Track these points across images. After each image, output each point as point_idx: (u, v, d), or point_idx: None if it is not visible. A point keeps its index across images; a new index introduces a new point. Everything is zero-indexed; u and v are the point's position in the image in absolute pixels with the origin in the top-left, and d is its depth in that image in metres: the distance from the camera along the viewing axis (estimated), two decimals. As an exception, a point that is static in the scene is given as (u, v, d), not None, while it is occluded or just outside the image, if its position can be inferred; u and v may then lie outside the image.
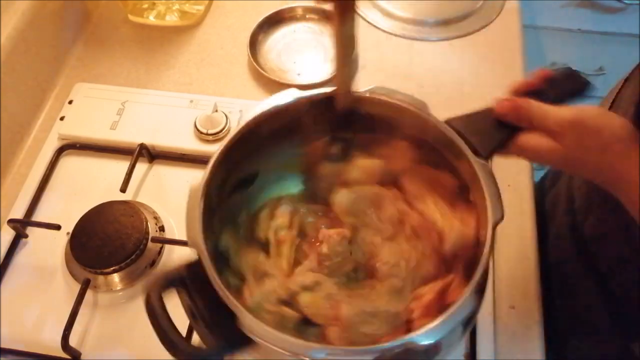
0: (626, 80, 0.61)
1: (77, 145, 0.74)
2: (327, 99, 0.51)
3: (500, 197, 0.45)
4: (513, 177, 0.71)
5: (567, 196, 0.66)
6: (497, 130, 0.48)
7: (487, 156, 0.47)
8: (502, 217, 0.44)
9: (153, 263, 0.64)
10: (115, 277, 0.62)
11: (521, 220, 0.68)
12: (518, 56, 0.84)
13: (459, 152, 0.47)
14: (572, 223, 0.64)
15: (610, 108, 0.60)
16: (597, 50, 1.27)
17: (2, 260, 0.65)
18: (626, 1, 1.14)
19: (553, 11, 1.19)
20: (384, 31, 0.87)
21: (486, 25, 0.87)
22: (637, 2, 1.14)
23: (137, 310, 0.62)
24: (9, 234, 0.66)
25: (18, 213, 0.68)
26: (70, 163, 0.74)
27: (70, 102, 0.78)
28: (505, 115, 0.47)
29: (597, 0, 1.16)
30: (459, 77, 0.82)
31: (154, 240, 0.64)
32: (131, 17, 0.89)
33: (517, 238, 0.66)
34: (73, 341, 0.58)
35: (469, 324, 0.46)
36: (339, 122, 0.53)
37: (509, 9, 0.89)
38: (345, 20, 0.45)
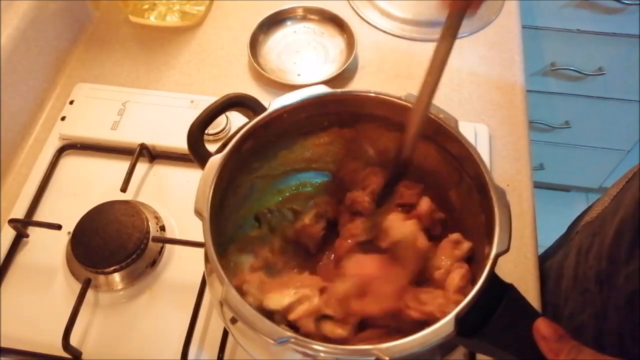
0: None
1: (78, 146, 0.75)
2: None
3: (510, 230, 0.44)
4: (513, 177, 0.71)
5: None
6: None
7: None
8: (507, 250, 0.43)
9: (154, 263, 0.64)
10: (116, 277, 0.63)
11: (521, 221, 0.68)
12: (518, 56, 0.84)
13: (480, 175, 0.47)
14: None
15: (627, 182, 0.59)
16: (597, 51, 1.27)
17: (3, 260, 0.65)
18: (626, 1, 1.14)
19: (553, 11, 1.19)
20: (384, 32, 0.87)
21: (485, 26, 0.88)
22: (637, 2, 1.14)
23: (138, 309, 0.62)
24: (10, 233, 0.66)
25: (19, 213, 0.68)
26: (71, 163, 0.74)
27: (71, 103, 0.78)
28: None
29: (596, 1, 1.16)
30: (459, 77, 0.82)
31: (155, 239, 0.65)
32: (132, 18, 0.89)
33: (516, 238, 0.66)
34: (74, 341, 0.59)
35: (448, 349, 0.45)
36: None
37: (509, 9, 0.89)
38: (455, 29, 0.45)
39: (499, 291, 0.42)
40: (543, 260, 0.69)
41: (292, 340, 0.40)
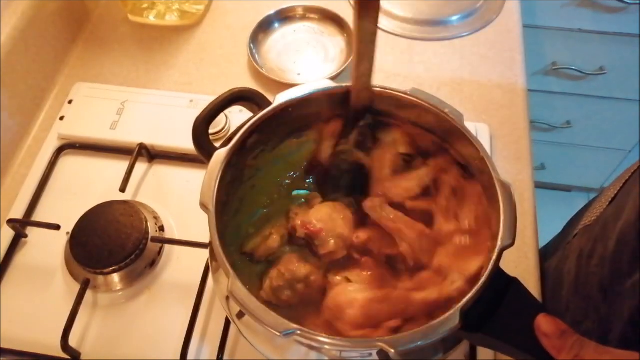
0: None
1: (77, 145, 0.74)
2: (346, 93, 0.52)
3: (515, 223, 0.44)
4: (514, 177, 0.71)
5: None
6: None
7: None
8: (512, 244, 0.43)
9: (153, 263, 0.64)
10: (115, 277, 0.62)
11: (522, 221, 0.67)
12: (518, 56, 0.84)
13: (484, 169, 0.47)
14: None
15: (622, 187, 0.59)
16: (598, 50, 1.27)
17: (1, 260, 0.65)
18: (627, 1, 1.14)
19: (553, 11, 1.19)
20: (384, 31, 0.87)
21: (486, 25, 0.87)
22: (638, 2, 1.14)
23: (137, 310, 0.62)
24: (8, 233, 0.66)
25: (18, 213, 0.68)
26: (70, 163, 0.74)
27: (70, 102, 0.78)
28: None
29: (597, 0, 1.16)
30: (459, 77, 0.82)
31: (154, 240, 0.64)
32: (131, 17, 0.89)
33: (517, 238, 0.65)
34: (73, 341, 0.58)
35: (452, 344, 0.45)
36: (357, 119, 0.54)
37: (509, 9, 0.89)
38: (367, 14, 0.44)
39: (503, 285, 0.42)
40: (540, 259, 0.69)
41: (298, 332, 0.40)
